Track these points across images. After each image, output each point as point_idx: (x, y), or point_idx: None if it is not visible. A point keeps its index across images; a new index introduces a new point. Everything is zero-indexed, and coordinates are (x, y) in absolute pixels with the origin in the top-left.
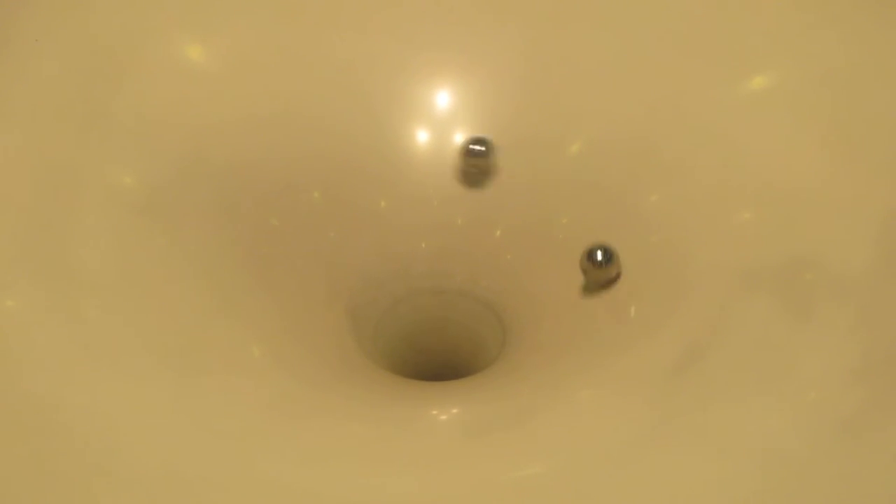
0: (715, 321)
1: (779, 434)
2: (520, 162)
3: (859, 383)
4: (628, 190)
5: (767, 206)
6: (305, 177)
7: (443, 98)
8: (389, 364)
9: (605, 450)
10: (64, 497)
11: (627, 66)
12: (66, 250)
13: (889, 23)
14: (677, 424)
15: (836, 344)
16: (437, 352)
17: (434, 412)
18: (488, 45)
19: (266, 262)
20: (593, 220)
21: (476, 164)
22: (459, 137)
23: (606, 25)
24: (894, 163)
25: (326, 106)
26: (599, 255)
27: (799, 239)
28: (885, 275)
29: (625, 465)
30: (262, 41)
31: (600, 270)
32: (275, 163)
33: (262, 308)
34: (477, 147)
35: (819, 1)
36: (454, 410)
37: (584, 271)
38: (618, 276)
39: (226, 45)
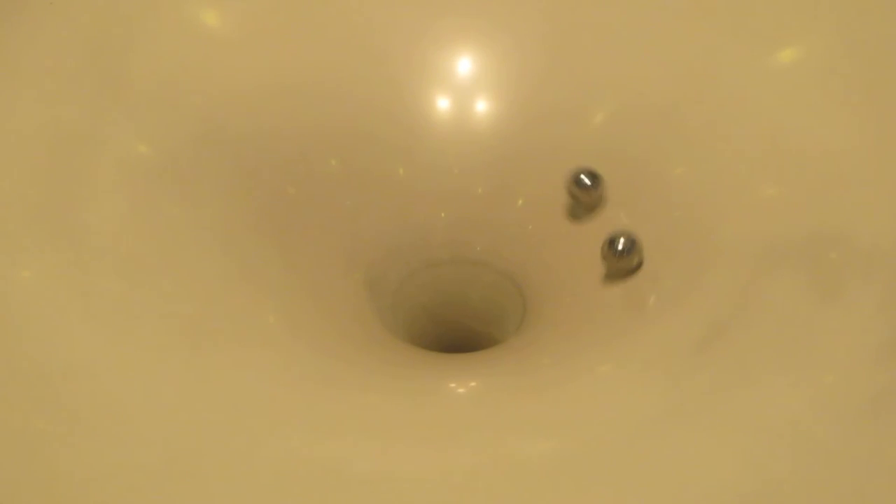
0: (739, 298)
1: (803, 414)
2: (543, 130)
3: (886, 364)
4: (653, 161)
5: (795, 181)
6: (323, 144)
7: (464, 65)
8: (407, 335)
9: (624, 426)
10: (77, 464)
11: (654, 36)
12: (82, 219)
13: None
14: (698, 402)
15: (863, 322)
16: (455, 323)
17: (452, 385)
18: (511, 11)
19: (283, 230)
20: (617, 191)
21: (581, 196)
22: (481, 105)
23: None
24: None
25: (344, 72)
26: (621, 244)
27: (826, 215)
28: None
29: (644, 442)
30: (279, 6)
31: (621, 260)
32: (292, 130)
33: (279, 277)
34: (585, 179)
35: None
36: (472, 383)
37: (605, 259)
38: (639, 265)
39: (242, 11)
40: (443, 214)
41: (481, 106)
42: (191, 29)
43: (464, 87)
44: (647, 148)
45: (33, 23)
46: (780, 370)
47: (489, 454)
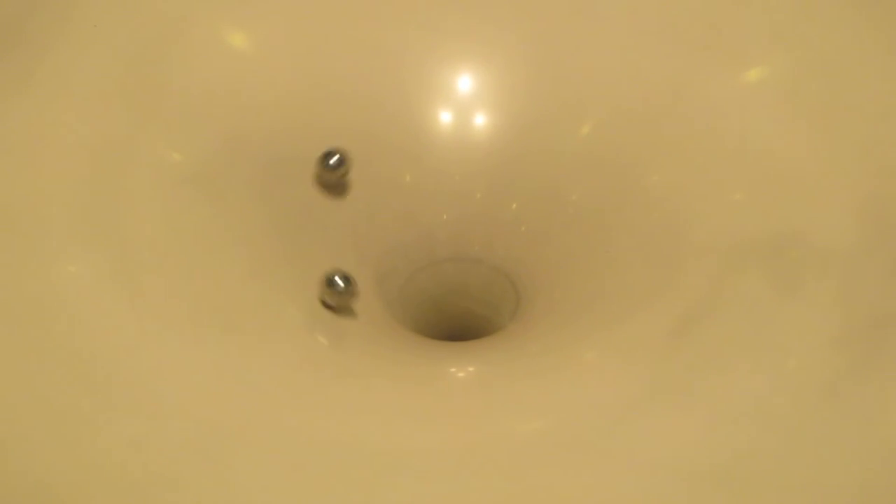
0: (709, 292)
1: (765, 397)
2: (535, 141)
3: (840, 351)
4: (632, 170)
5: (759, 187)
6: None
7: (464, 82)
8: (413, 325)
9: (607, 406)
10: (119, 439)
11: (633, 57)
12: (120, 220)
13: (873, 17)
14: (673, 385)
15: (820, 315)
16: (456, 314)
17: (452, 370)
18: (507, 36)
19: (300, 230)
20: (601, 196)
21: (333, 176)
22: (480, 118)
23: (614, 21)
24: (872, 149)
25: (358, 89)
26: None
27: (786, 218)
28: (864, 251)
29: (625, 421)
30: (299, 28)
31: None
32: (309, 141)
33: (297, 273)
34: (333, 161)
35: None
36: (470, 368)
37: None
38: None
39: (265, 33)
40: (445, 216)
41: (480, 119)
42: (218, 49)
43: (464, 102)
44: (627, 157)
45: (80, 44)
46: (745, 356)
47: (485, 431)
